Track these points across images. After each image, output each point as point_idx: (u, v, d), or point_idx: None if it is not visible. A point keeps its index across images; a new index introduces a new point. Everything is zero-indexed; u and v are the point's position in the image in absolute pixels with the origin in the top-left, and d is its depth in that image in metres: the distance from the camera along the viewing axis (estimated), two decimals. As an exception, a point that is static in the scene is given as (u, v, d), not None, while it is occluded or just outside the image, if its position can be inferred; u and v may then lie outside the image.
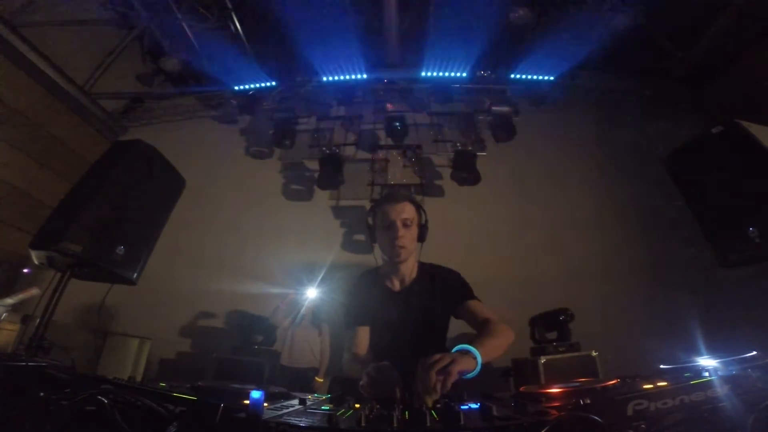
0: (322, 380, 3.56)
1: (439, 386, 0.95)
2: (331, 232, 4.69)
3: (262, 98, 5.27)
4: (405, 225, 1.55)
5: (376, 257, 1.69)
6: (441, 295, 1.59)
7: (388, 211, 1.56)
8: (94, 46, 4.76)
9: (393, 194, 1.66)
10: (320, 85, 5.14)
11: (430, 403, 0.94)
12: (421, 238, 1.64)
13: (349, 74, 4.97)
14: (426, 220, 1.65)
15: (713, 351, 1.28)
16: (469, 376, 1.05)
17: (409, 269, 1.65)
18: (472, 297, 1.57)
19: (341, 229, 4.72)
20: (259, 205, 4.88)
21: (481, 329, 1.38)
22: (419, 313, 1.57)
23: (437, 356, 1.00)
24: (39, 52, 4.20)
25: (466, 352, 1.07)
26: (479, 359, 1.06)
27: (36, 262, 1.61)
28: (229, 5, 4.53)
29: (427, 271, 1.68)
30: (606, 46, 4.47)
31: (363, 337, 1.57)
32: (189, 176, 2.13)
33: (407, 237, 1.55)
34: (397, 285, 1.65)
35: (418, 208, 1.64)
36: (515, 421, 0.68)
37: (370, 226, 1.67)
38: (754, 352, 1.06)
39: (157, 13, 4.53)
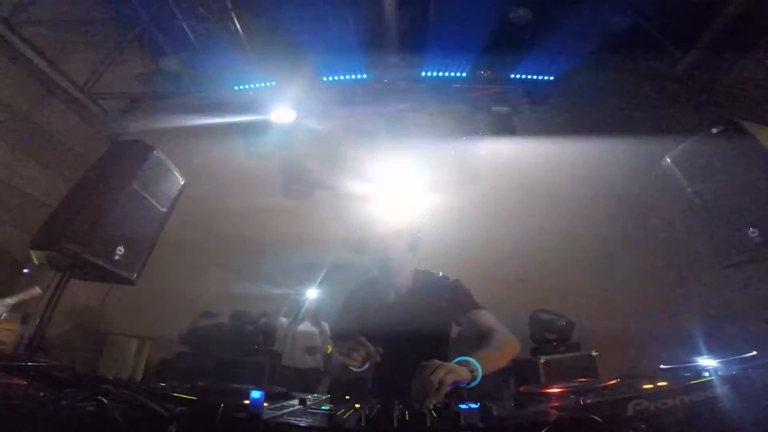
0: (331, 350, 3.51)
1: (432, 394, 0.93)
2: (332, 232, 4.69)
3: (262, 98, 5.26)
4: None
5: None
6: (440, 304, 1.53)
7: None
8: (94, 46, 4.75)
9: None
10: (320, 85, 5.13)
11: (423, 408, 0.93)
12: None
13: (349, 74, 4.97)
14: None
15: (713, 351, 1.28)
16: (471, 385, 1.04)
17: (404, 279, 1.61)
18: (476, 306, 1.51)
19: (341, 229, 4.72)
20: (259, 204, 4.87)
21: (484, 340, 1.34)
22: (415, 323, 1.48)
23: (435, 364, 0.99)
24: (39, 51, 4.19)
25: (466, 363, 1.06)
26: (480, 371, 1.06)
27: (36, 262, 1.61)
28: (229, 5, 4.52)
29: (423, 279, 1.63)
30: (605, 46, 4.47)
31: None
32: (189, 176, 2.13)
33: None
34: (391, 296, 1.61)
35: None
36: (515, 421, 0.68)
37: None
38: (754, 352, 1.06)
39: (157, 13, 4.54)
